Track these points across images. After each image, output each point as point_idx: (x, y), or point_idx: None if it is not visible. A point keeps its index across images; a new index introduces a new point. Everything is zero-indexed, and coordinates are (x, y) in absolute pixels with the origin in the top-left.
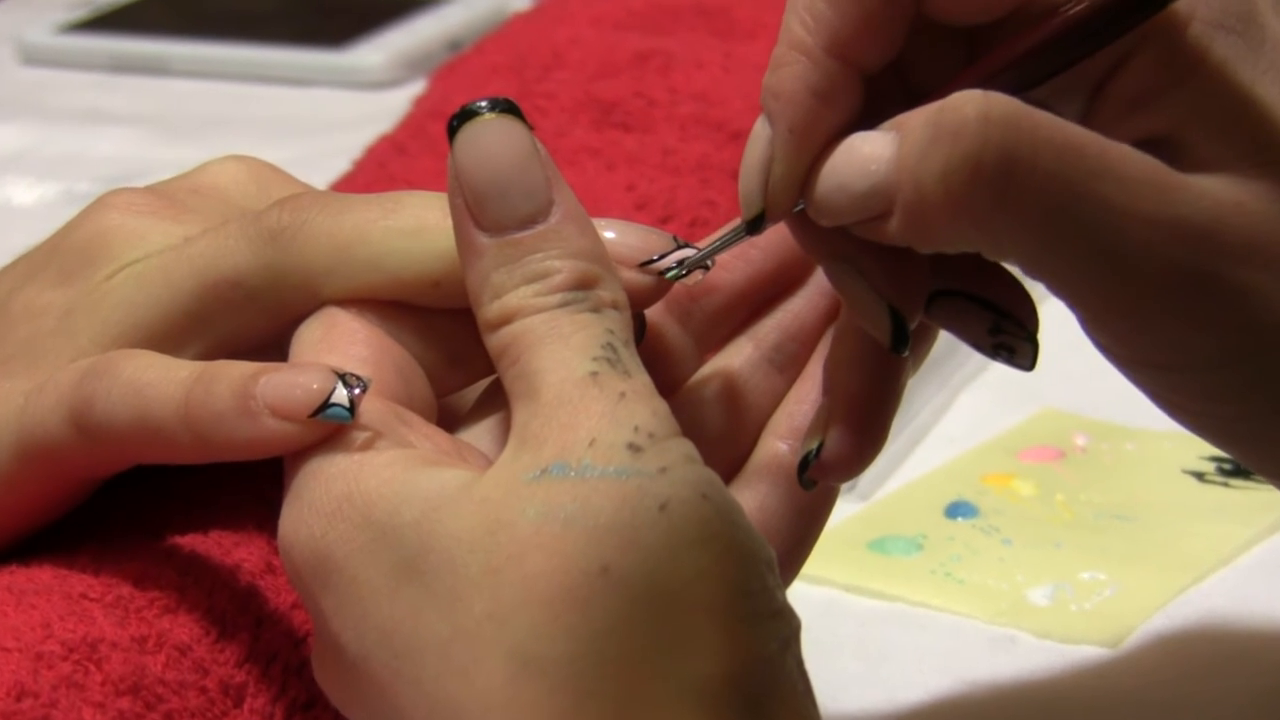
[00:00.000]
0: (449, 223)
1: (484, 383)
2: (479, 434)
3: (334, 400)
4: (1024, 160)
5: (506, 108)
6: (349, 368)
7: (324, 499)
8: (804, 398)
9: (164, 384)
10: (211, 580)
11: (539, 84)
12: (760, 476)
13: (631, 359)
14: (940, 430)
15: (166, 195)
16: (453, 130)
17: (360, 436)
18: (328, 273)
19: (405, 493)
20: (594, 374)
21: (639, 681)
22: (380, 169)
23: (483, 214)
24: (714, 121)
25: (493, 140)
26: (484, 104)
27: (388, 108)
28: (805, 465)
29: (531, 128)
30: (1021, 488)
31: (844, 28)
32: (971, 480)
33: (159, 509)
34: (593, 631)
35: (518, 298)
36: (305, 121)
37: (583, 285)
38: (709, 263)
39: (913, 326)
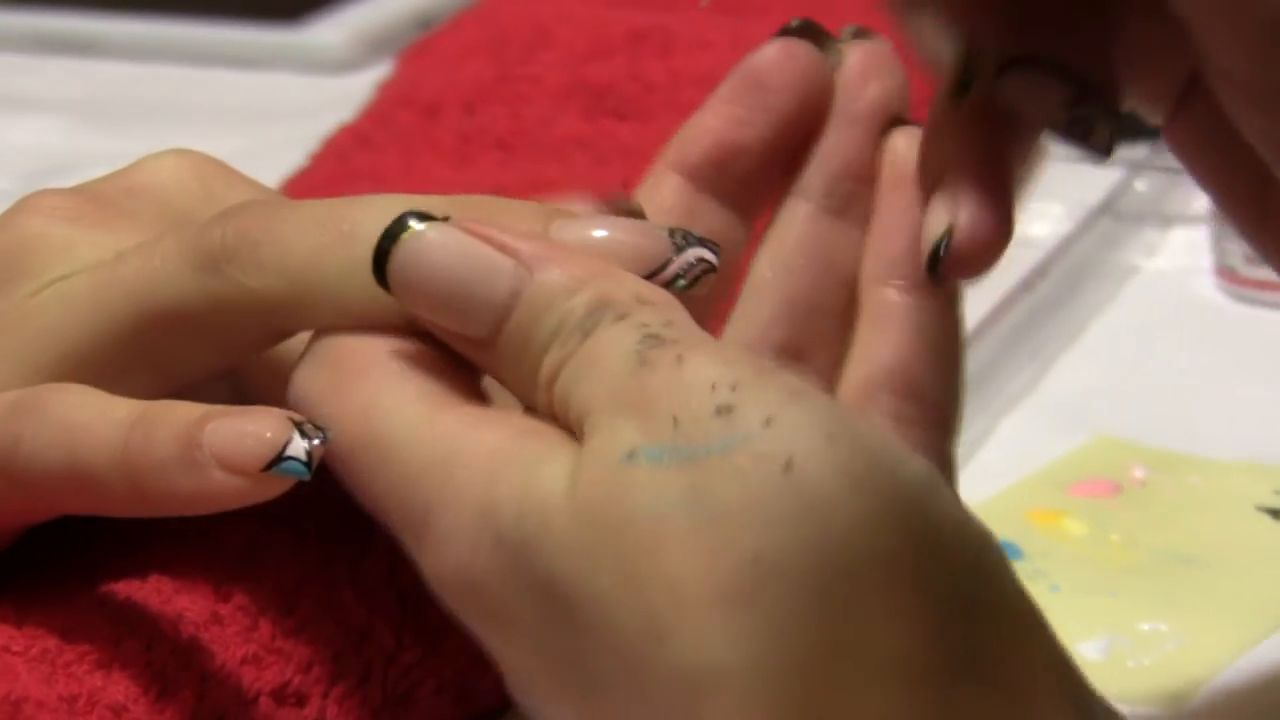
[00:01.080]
0: None
1: None
2: None
3: (289, 453)
4: None
5: (409, 219)
6: (394, 382)
7: (460, 522)
8: (888, 232)
9: (100, 426)
10: (150, 632)
11: (521, 66)
12: (876, 324)
13: (677, 329)
14: (979, 461)
15: (97, 197)
16: (380, 275)
17: (473, 438)
18: (282, 305)
19: (523, 497)
20: (639, 357)
21: (831, 674)
22: (341, 163)
23: (467, 328)
24: None
25: (421, 259)
26: (389, 229)
27: (349, 93)
28: (936, 259)
29: (446, 219)
30: (1072, 527)
31: None
32: (1014, 518)
33: (89, 550)
34: (767, 630)
35: (547, 369)
36: (255, 109)
37: (597, 309)
38: (714, 263)
39: (983, 73)
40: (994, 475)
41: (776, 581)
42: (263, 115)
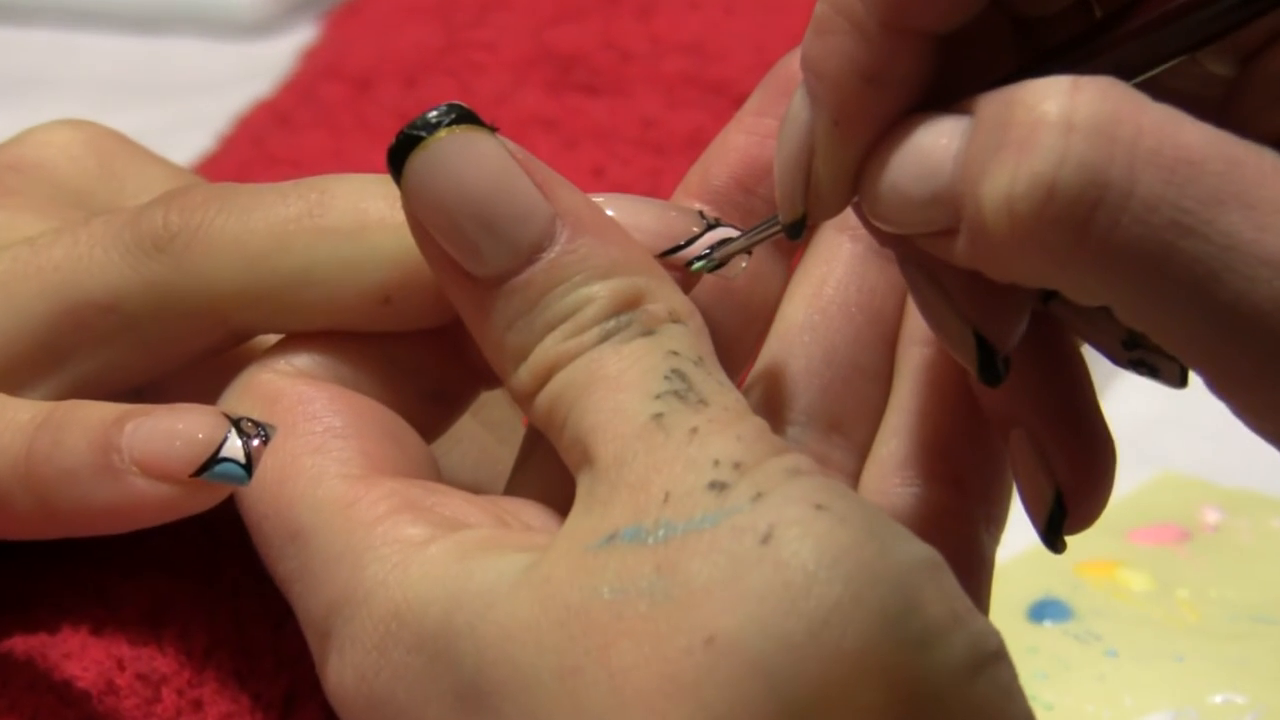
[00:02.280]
0: (397, 215)
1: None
2: (531, 490)
3: (225, 454)
4: (1118, 184)
5: (458, 116)
6: (318, 447)
7: (368, 626)
8: None
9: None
10: (34, 705)
11: (472, 30)
12: (916, 394)
13: (709, 378)
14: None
15: None
16: (396, 163)
17: (393, 530)
18: (237, 295)
19: (456, 590)
20: (657, 416)
21: None
22: (256, 146)
23: (473, 261)
24: (712, 81)
25: (455, 166)
26: (430, 118)
27: (264, 61)
28: (1057, 526)
29: (495, 129)
30: (1131, 580)
31: None
32: (1064, 570)
33: None
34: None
35: (547, 351)
36: (153, 80)
37: (625, 306)
38: (749, 250)
39: (1007, 352)
40: None
41: (727, 666)
42: (161, 88)
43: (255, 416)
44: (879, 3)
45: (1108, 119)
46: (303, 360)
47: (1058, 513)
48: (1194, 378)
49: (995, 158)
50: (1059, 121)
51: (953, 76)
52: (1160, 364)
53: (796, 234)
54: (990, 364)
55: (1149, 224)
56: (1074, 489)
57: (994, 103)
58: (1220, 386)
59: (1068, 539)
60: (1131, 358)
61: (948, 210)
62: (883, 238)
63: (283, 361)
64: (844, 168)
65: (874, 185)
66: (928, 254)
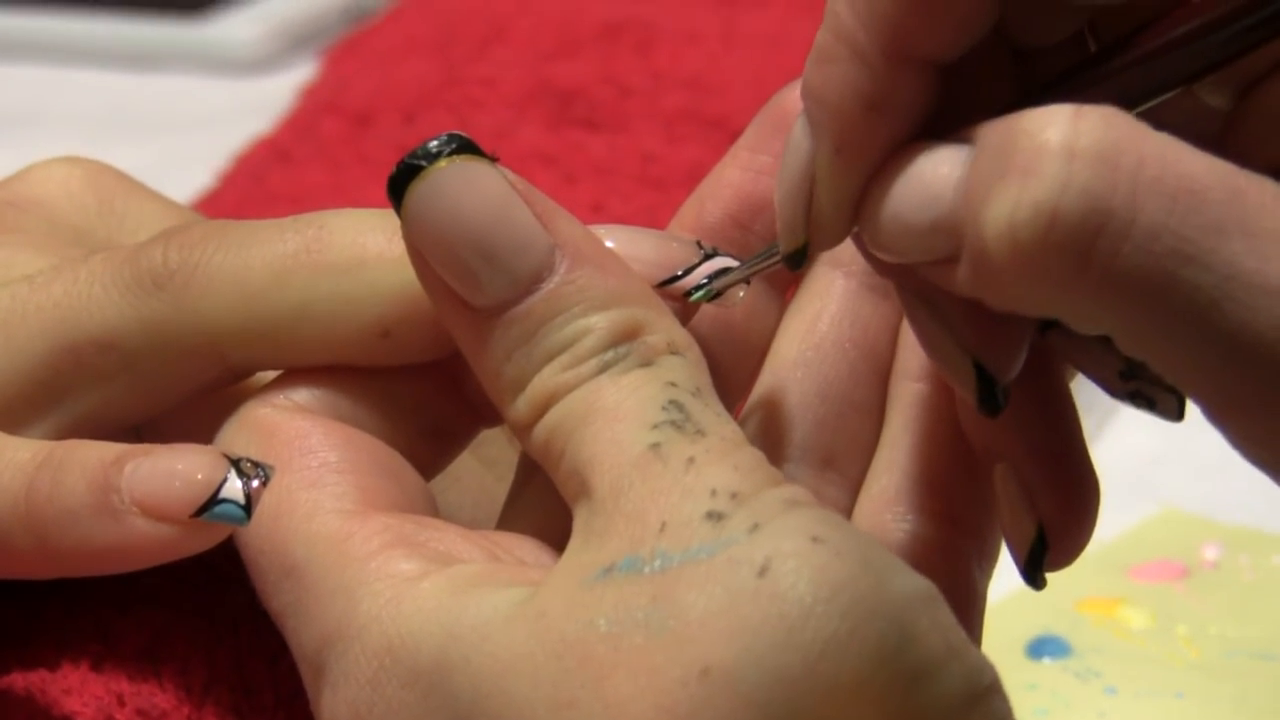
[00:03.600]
0: (396, 249)
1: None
2: (525, 525)
3: (225, 494)
4: (1120, 212)
5: (459, 146)
6: (313, 482)
7: (361, 661)
8: None
9: None
10: None
11: (472, 66)
12: (908, 429)
13: (706, 409)
14: None
15: None
16: (397, 192)
17: (386, 565)
18: (236, 331)
19: (450, 624)
20: (655, 446)
21: None
22: (255, 181)
23: (472, 291)
24: (710, 117)
25: (455, 196)
26: (431, 147)
27: (264, 98)
28: (1038, 562)
29: (495, 160)
30: (1131, 617)
31: (906, 18)
32: (1063, 607)
33: None
34: None
35: (545, 382)
36: (151, 116)
37: (624, 338)
38: (748, 278)
39: (1007, 381)
40: None
41: (722, 699)
42: (160, 124)
43: (252, 451)
44: (882, 31)
45: (1110, 147)
46: (301, 395)
47: (1039, 548)
48: (1192, 412)
49: (998, 185)
50: (1062, 149)
51: (953, 106)
52: (1158, 396)
53: (797, 264)
54: (990, 394)
55: (1151, 252)
56: (1057, 525)
57: (995, 131)
58: (1219, 415)
59: (1068, 575)
60: (1129, 389)
61: (949, 238)
62: (882, 267)
63: (281, 396)
64: (845, 196)
65: (875, 214)
66: (928, 283)
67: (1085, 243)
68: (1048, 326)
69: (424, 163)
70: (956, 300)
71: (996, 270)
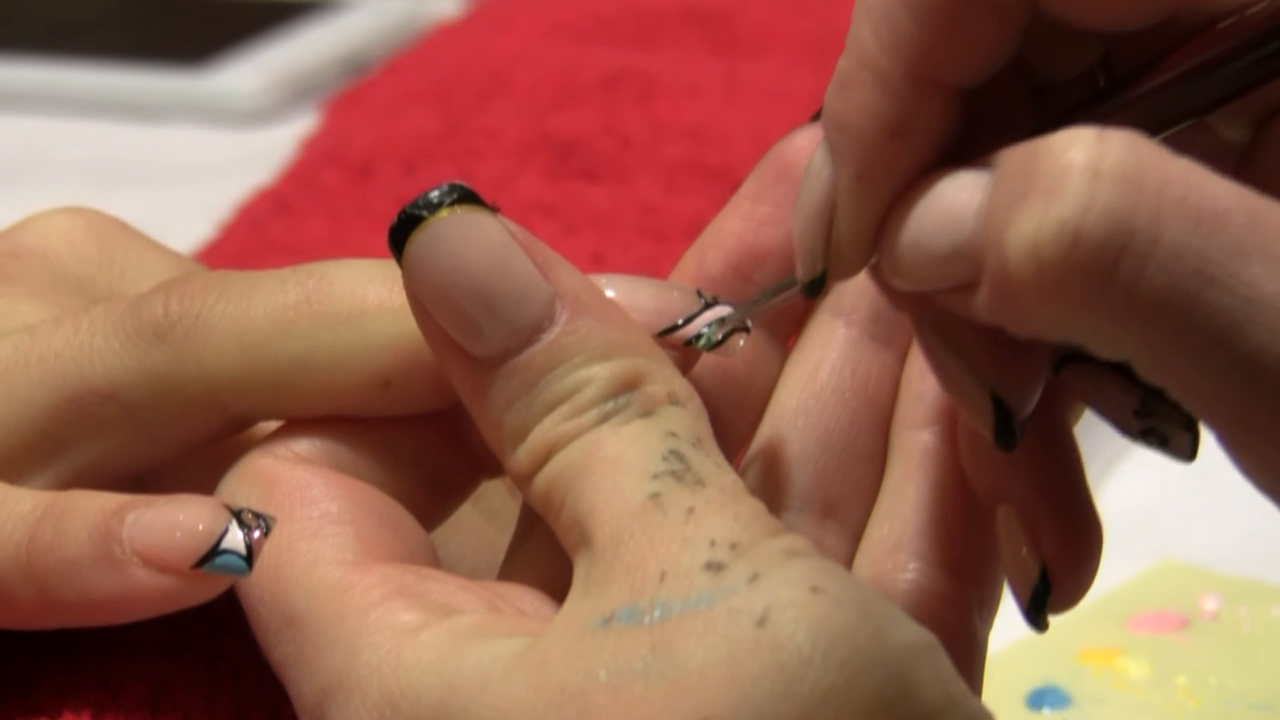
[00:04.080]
0: (396, 299)
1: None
2: (526, 576)
3: (226, 545)
4: (1144, 232)
5: (460, 196)
6: (314, 532)
7: (362, 712)
8: (929, 371)
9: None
10: None
11: (473, 117)
12: (909, 478)
13: (706, 460)
14: None
15: None
16: (398, 242)
17: (387, 616)
18: (236, 382)
19: (450, 675)
20: (655, 496)
21: None
22: (256, 232)
23: (473, 341)
24: (712, 168)
25: (456, 246)
26: (432, 197)
27: (264, 149)
28: (1041, 603)
29: (496, 210)
30: (1131, 668)
31: (930, 43)
32: (1064, 657)
33: None
34: None
35: (546, 432)
36: (153, 167)
37: (624, 388)
38: (748, 324)
39: (1025, 415)
40: None
41: None
42: (163, 175)
43: (254, 501)
44: (905, 55)
45: (1135, 167)
46: (303, 445)
47: (1042, 590)
48: (1199, 463)
49: (1021, 205)
50: (1086, 169)
51: (974, 136)
52: (1172, 433)
53: (814, 292)
54: (1007, 427)
55: (1174, 273)
56: (1060, 567)
57: (1017, 155)
58: (1235, 442)
59: (1068, 626)
60: (1143, 427)
61: (969, 263)
62: (898, 300)
63: (282, 447)
64: (867, 222)
65: (894, 240)
66: (945, 315)
67: (1109, 262)
68: (1062, 365)
69: (425, 213)
70: (974, 331)
71: (1019, 292)
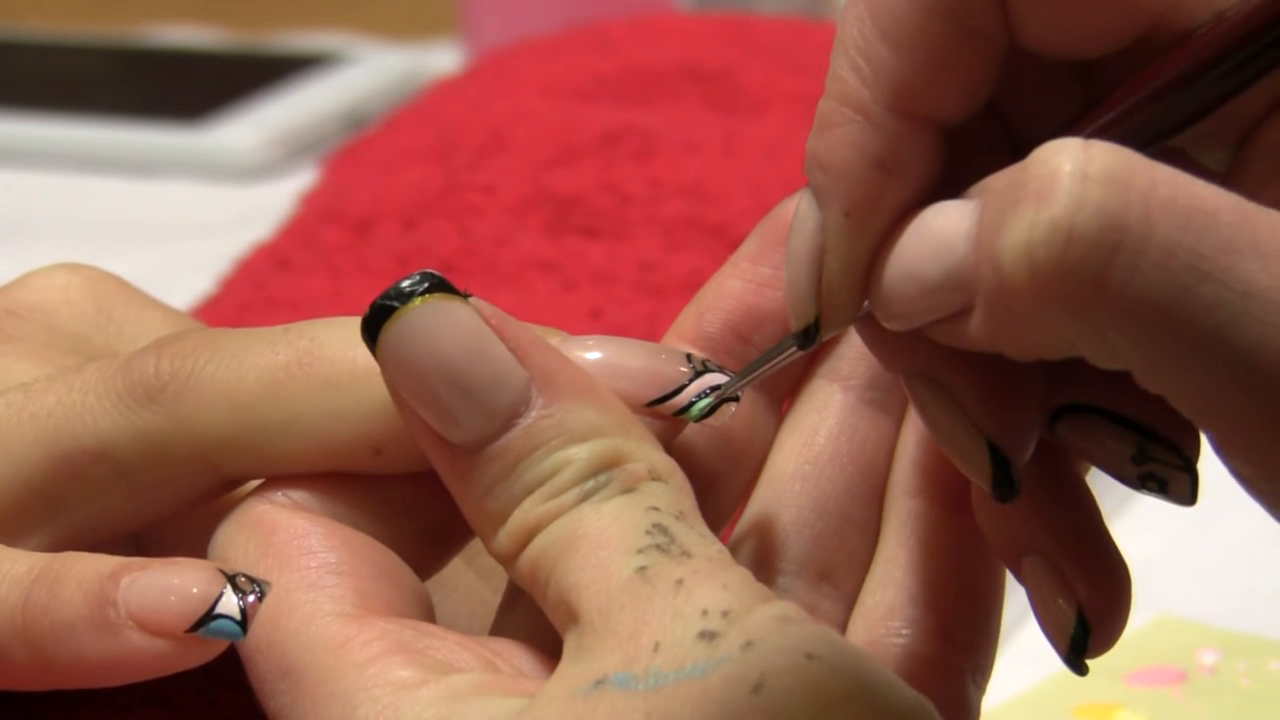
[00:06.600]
0: None
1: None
2: (520, 633)
3: (220, 610)
4: (1136, 229)
5: (432, 285)
6: (312, 583)
7: None
8: (926, 437)
9: None
10: None
11: (472, 174)
12: (903, 544)
13: (690, 531)
14: (1019, 645)
15: None
16: (371, 332)
17: (385, 672)
18: (227, 443)
19: None
20: (641, 570)
21: None
22: (255, 288)
23: (450, 428)
24: (710, 225)
25: (429, 336)
26: (404, 287)
27: (263, 205)
28: (1081, 648)
29: (468, 295)
30: None
31: (909, 74)
32: (1061, 713)
33: None
34: None
35: (526, 514)
36: (152, 223)
37: (604, 467)
38: (738, 395)
39: (1022, 462)
40: (1036, 660)
41: None
42: (162, 231)
43: (251, 549)
44: (885, 87)
45: (1122, 169)
46: (300, 494)
47: (1080, 633)
48: (1187, 519)
49: (1012, 212)
50: (1075, 172)
51: (956, 178)
52: (1170, 476)
53: (808, 342)
54: (1005, 477)
55: (1168, 269)
56: (1096, 608)
57: (1003, 175)
58: (1229, 443)
59: (1064, 682)
60: (1141, 473)
61: (961, 290)
62: (889, 355)
63: (280, 494)
64: (857, 261)
65: (886, 276)
66: (937, 365)
67: (1102, 261)
68: (1055, 420)
69: (397, 303)
70: (968, 379)
71: (1014, 299)
